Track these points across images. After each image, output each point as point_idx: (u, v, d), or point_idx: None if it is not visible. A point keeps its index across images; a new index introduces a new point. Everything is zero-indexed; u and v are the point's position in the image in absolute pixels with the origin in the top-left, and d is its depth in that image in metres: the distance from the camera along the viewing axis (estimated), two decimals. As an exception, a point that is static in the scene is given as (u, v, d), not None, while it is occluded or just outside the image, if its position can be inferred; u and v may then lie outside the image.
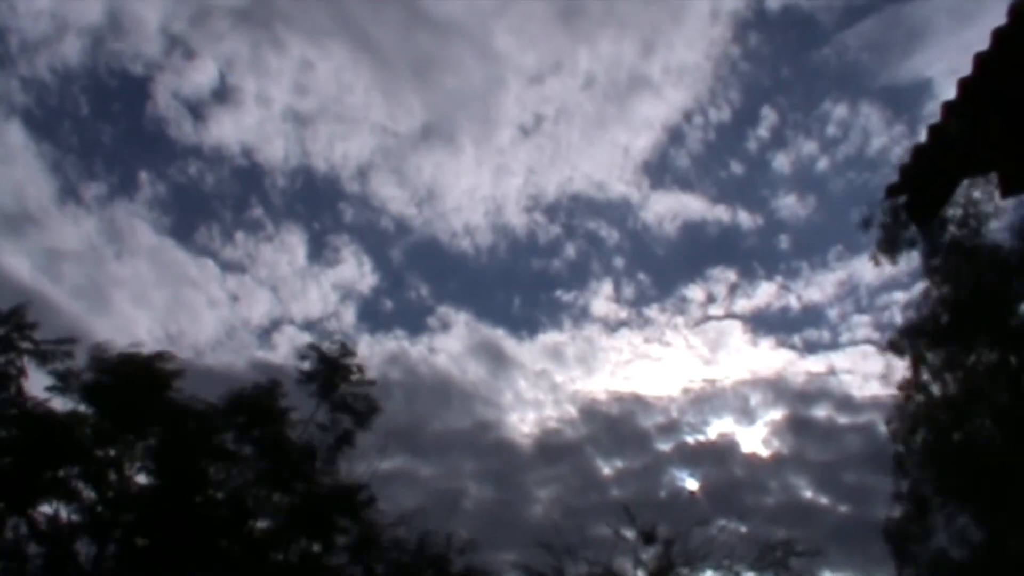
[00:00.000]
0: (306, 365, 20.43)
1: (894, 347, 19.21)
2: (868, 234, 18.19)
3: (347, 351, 20.97)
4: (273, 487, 19.25)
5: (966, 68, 5.00)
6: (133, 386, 17.91)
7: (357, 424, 20.10)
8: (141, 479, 18.68)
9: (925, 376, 18.53)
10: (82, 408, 18.09)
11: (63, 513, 17.69)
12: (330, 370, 20.36)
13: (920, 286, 19.05)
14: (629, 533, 20.42)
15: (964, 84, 5.09)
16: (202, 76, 47.36)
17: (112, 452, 18.22)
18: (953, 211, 17.67)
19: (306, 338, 43.65)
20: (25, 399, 17.63)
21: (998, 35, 4.71)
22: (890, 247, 17.93)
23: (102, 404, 17.93)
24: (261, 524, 19.56)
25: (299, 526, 19.24)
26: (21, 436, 16.94)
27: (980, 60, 4.91)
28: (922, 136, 5.49)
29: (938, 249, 18.23)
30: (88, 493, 17.95)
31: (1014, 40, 4.65)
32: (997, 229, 17.77)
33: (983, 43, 4.84)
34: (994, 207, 17.35)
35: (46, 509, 17.69)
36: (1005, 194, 5.73)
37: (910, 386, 18.67)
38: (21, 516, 17.23)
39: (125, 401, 17.72)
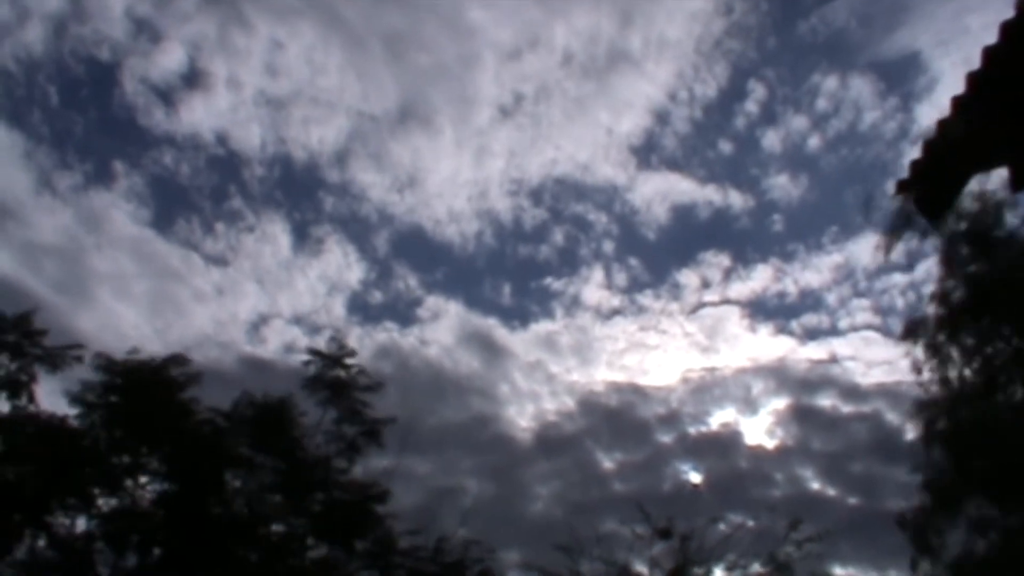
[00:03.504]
0: (311, 370, 19.90)
1: (908, 338, 19.03)
2: (871, 220, 18.04)
3: (347, 351, 20.38)
4: (290, 495, 19.10)
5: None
6: (146, 397, 17.83)
7: (367, 436, 19.53)
8: (156, 486, 18.67)
9: (943, 368, 18.36)
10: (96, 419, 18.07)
11: (80, 522, 17.80)
12: (336, 374, 19.86)
13: (926, 273, 18.92)
14: (640, 529, 20.15)
15: (973, 78, 5.03)
16: (170, 60, 45.75)
17: (126, 459, 18.21)
18: (969, 201, 17.50)
19: (295, 332, 43.37)
20: (38, 407, 17.72)
21: (1006, 29, 4.65)
22: (896, 235, 17.73)
23: (118, 418, 17.89)
24: (278, 528, 19.47)
25: (318, 530, 19.13)
26: (37, 445, 17.02)
27: (988, 54, 4.85)
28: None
29: (954, 240, 18.07)
30: (105, 501, 18.02)
31: (1022, 34, 4.58)
32: (1014, 219, 17.62)
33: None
34: (1011, 198, 17.16)
35: (63, 519, 17.74)
36: (1016, 188, 5.69)
37: (928, 378, 18.51)
38: (39, 527, 17.29)
39: (139, 413, 17.65)
